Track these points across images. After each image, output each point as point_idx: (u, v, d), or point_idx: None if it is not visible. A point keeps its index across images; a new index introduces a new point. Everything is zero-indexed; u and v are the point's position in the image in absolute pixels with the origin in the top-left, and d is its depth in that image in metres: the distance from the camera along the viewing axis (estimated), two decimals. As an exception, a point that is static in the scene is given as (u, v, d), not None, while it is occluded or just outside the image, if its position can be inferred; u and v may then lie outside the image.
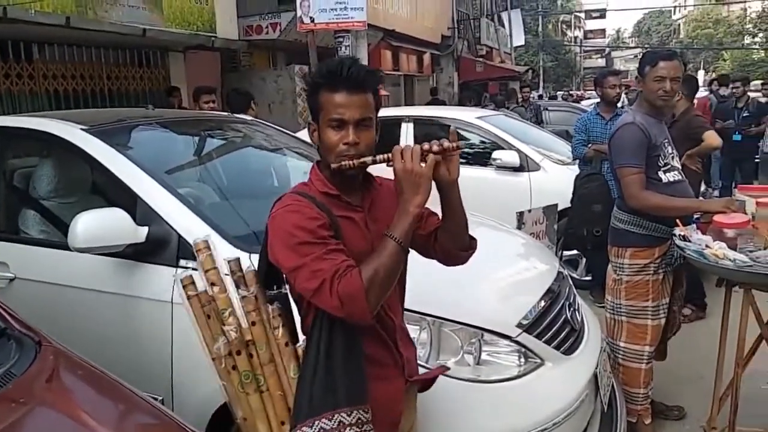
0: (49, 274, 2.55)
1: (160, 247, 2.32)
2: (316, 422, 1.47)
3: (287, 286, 1.61)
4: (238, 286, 1.62)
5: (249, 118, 3.90)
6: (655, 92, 2.73)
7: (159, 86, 8.95)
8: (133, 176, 2.48)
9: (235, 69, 10.42)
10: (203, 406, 2.19)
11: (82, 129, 2.69)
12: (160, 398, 2.27)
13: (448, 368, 1.80)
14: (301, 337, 1.63)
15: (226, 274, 1.64)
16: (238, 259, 1.65)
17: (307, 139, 4.20)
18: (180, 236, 2.30)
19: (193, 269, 2.20)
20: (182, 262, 2.27)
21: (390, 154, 1.46)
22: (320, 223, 1.46)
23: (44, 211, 2.95)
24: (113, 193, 2.57)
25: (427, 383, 1.75)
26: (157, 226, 2.33)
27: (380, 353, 1.60)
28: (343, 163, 1.49)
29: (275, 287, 1.63)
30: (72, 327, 2.43)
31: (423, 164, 1.43)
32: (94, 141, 2.62)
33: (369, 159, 1.50)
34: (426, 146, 1.45)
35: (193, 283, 1.64)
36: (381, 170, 1.58)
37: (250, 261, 1.72)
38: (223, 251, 1.72)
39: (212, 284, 1.61)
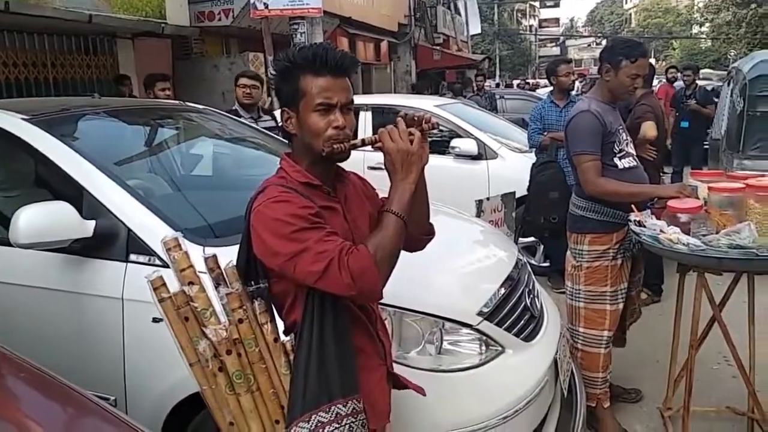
0: (-11, 272, 2.42)
1: (109, 241, 2.22)
2: (313, 416, 1.46)
3: (265, 281, 1.56)
4: (218, 284, 1.55)
5: (201, 106, 3.78)
6: (626, 87, 2.77)
7: (107, 74, 8.63)
8: (78, 167, 2.36)
9: (187, 56, 10.14)
10: (158, 404, 2.14)
11: (23, 119, 2.55)
12: (113, 398, 2.20)
13: (424, 393, 1.79)
14: (282, 334, 1.60)
15: (201, 272, 1.56)
16: (215, 256, 1.59)
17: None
18: (129, 230, 2.21)
19: (143, 264, 2.15)
20: (132, 257, 2.19)
21: (377, 136, 1.49)
22: (312, 211, 1.44)
23: (-16, 205, 2.80)
24: (57, 185, 2.45)
25: (400, 383, 1.76)
26: (104, 220, 2.24)
27: (365, 343, 1.61)
28: (335, 146, 1.49)
29: (252, 283, 1.58)
30: (15, 327, 2.33)
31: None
32: (37, 131, 2.49)
33: (358, 141, 1.52)
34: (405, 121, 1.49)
35: (165, 284, 1.53)
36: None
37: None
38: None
39: (190, 283, 1.52)
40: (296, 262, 1.40)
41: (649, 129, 4.10)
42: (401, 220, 1.46)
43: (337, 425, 1.46)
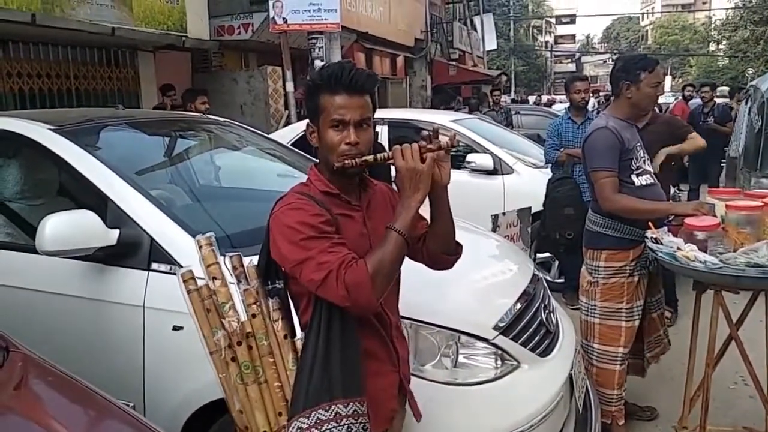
0: (15, 279, 2.48)
1: (132, 250, 2.27)
2: (313, 413, 1.51)
3: (282, 282, 1.65)
4: (239, 281, 1.66)
5: (221, 119, 3.85)
6: (650, 97, 2.81)
7: (128, 86, 8.80)
8: (103, 177, 2.42)
9: (206, 69, 10.30)
10: (177, 411, 2.16)
11: (49, 129, 2.62)
12: (132, 405, 2.22)
13: (419, 420, 1.80)
14: (299, 332, 1.66)
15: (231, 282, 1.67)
16: (239, 255, 1.68)
17: (282, 140, 4.17)
18: (152, 239, 2.25)
19: (165, 272, 2.19)
20: (154, 266, 2.23)
21: (390, 153, 1.53)
22: (323, 220, 1.51)
23: (10, 213, 2.87)
24: (82, 194, 2.50)
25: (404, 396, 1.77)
26: (128, 229, 2.28)
27: (376, 348, 1.65)
28: (346, 162, 1.55)
29: (269, 283, 1.67)
30: (40, 332, 2.37)
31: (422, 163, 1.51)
32: (63, 141, 2.55)
33: (371, 158, 1.56)
34: (423, 144, 1.53)
35: (193, 278, 1.66)
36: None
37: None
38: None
39: (214, 278, 1.65)
40: (301, 268, 1.47)
41: (699, 138, 4.18)
42: (402, 237, 1.50)
43: (335, 424, 1.50)
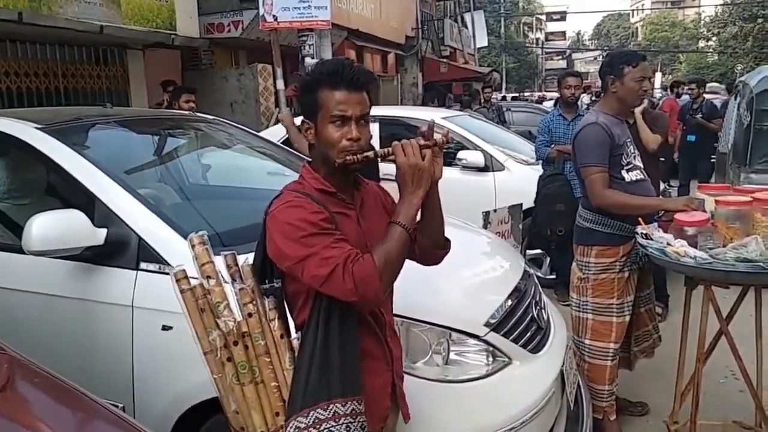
0: (1, 279, 2.45)
1: (120, 249, 2.25)
2: (311, 412, 1.50)
3: (278, 281, 1.63)
4: (234, 280, 1.65)
5: (211, 117, 3.82)
6: (636, 91, 2.81)
7: (117, 85, 8.74)
8: (90, 176, 2.40)
9: (196, 67, 10.25)
10: (167, 412, 2.15)
11: (36, 128, 2.59)
12: (121, 406, 2.20)
13: (406, 421, 1.81)
14: (294, 333, 1.65)
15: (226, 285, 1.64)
16: (233, 254, 1.68)
17: (272, 138, 4.16)
18: (140, 238, 2.23)
19: (154, 272, 2.18)
20: (143, 265, 2.21)
21: (391, 149, 1.54)
22: (323, 217, 1.50)
23: (-3, 212, 2.84)
24: (70, 194, 2.48)
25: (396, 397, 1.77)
26: (116, 228, 2.26)
27: (372, 347, 1.65)
28: (347, 158, 1.54)
29: (266, 282, 1.66)
30: (27, 333, 2.35)
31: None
32: (50, 140, 2.53)
33: (371, 153, 1.56)
34: (422, 141, 1.54)
35: (186, 277, 1.64)
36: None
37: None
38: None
39: (208, 277, 1.63)
40: (304, 265, 1.46)
41: (655, 142, 4.20)
42: (406, 231, 1.51)
43: (334, 423, 1.50)
